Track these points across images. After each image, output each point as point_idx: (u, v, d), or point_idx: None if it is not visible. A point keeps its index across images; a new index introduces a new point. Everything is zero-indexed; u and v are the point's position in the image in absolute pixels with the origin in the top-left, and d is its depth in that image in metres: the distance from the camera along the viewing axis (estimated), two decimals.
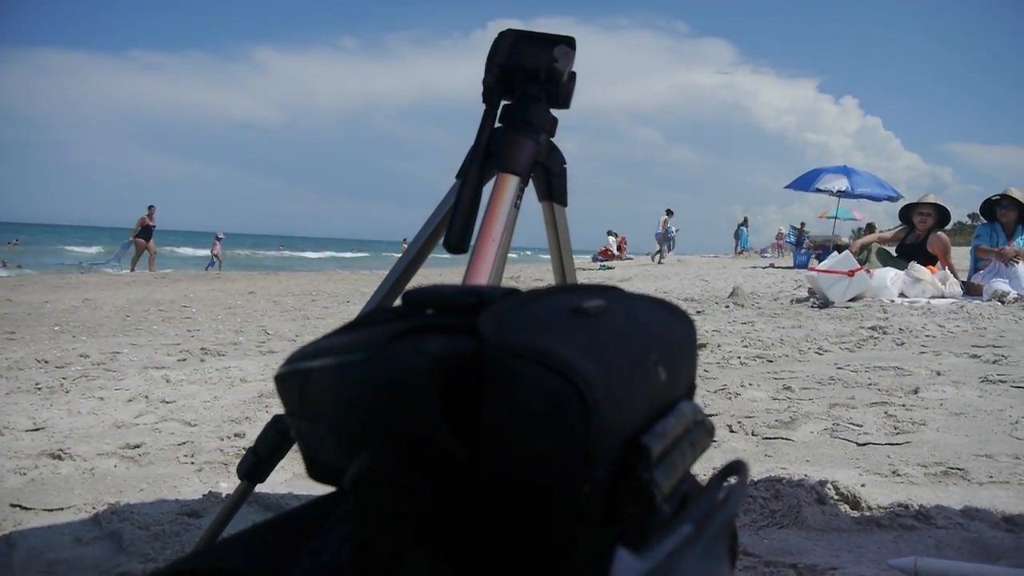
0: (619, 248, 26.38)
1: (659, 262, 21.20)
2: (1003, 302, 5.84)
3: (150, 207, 17.79)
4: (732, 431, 2.26)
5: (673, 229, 23.67)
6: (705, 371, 3.24)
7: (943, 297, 6.21)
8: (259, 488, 1.32)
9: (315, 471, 0.50)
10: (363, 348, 0.42)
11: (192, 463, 2.07)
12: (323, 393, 0.45)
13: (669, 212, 23.55)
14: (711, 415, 2.45)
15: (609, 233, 26.52)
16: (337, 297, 8.62)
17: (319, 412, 0.46)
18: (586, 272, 16.27)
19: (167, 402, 2.81)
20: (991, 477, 1.77)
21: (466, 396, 0.40)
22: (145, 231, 17.44)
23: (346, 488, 0.41)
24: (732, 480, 0.47)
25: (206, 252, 24.06)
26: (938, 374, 3.01)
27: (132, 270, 16.74)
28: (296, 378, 0.48)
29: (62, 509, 1.75)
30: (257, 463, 1.06)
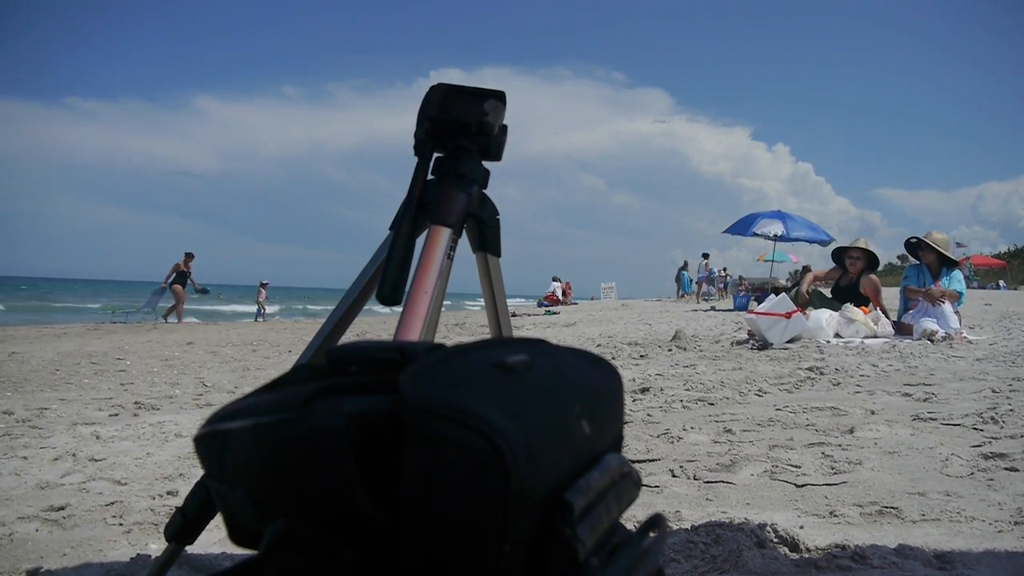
0: (564, 293, 26.60)
1: (711, 306, 21.15)
2: (932, 341, 6.05)
3: (188, 253, 16.50)
4: (674, 476, 2.27)
5: (716, 271, 23.46)
6: (648, 415, 3.26)
7: (876, 337, 6.41)
8: (191, 549, 1.27)
9: (237, 535, 0.48)
10: (279, 409, 0.41)
11: (120, 524, 1.99)
12: (240, 456, 0.44)
13: (706, 255, 23.48)
14: (654, 460, 2.47)
15: (554, 279, 26.74)
16: (279, 347, 8.46)
17: (237, 475, 0.45)
18: (532, 317, 16.31)
19: (96, 460, 2.70)
20: (923, 515, 1.81)
21: (385, 456, 0.39)
22: (180, 277, 16.18)
23: (261, 555, 0.40)
24: (653, 534, 0.47)
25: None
26: (872, 413, 3.08)
27: (179, 320, 15.59)
28: (214, 440, 0.47)
29: None
30: (185, 524, 1.02)
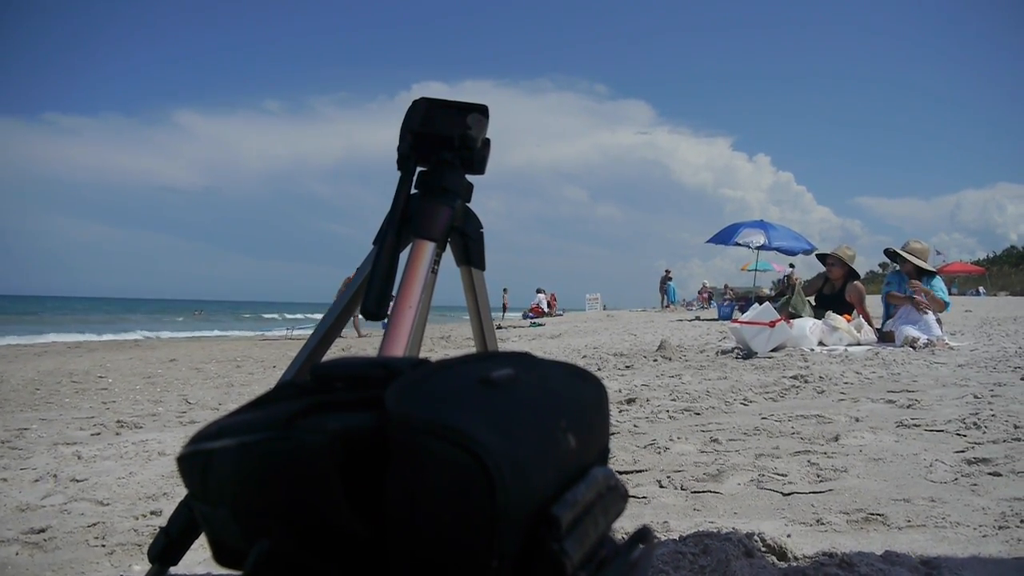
0: (549, 305, 26.64)
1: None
2: (915, 348, 6.09)
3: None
4: (662, 486, 2.27)
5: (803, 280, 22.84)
6: (635, 426, 3.26)
7: (859, 344, 6.45)
8: (175, 569, 1.25)
9: (221, 555, 0.48)
10: (264, 428, 0.41)
11: (103, 546, 1.96)
12: (224, 475, 0.44)
13: (792, 266, 22.94)
14: (641, 471, 2.46)
15: (539, 291, 26.77)
16: (263, 362, 8.40)
17: (221, 495, 0.45)
18: (517, 330, 16.30)
19: (78, 480, 2.67)
20: (909, 521, 1.82)
21: (371, 473, 0.39)
22: None
23: (246, 575, 0.40)
24: (641, 546, 0.47)
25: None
26: (857, 420, 3.10)
27: (358, 333, 15.36)
28: (198, 459, 0.46)
29: None
30: (169, 544, 1.01)
